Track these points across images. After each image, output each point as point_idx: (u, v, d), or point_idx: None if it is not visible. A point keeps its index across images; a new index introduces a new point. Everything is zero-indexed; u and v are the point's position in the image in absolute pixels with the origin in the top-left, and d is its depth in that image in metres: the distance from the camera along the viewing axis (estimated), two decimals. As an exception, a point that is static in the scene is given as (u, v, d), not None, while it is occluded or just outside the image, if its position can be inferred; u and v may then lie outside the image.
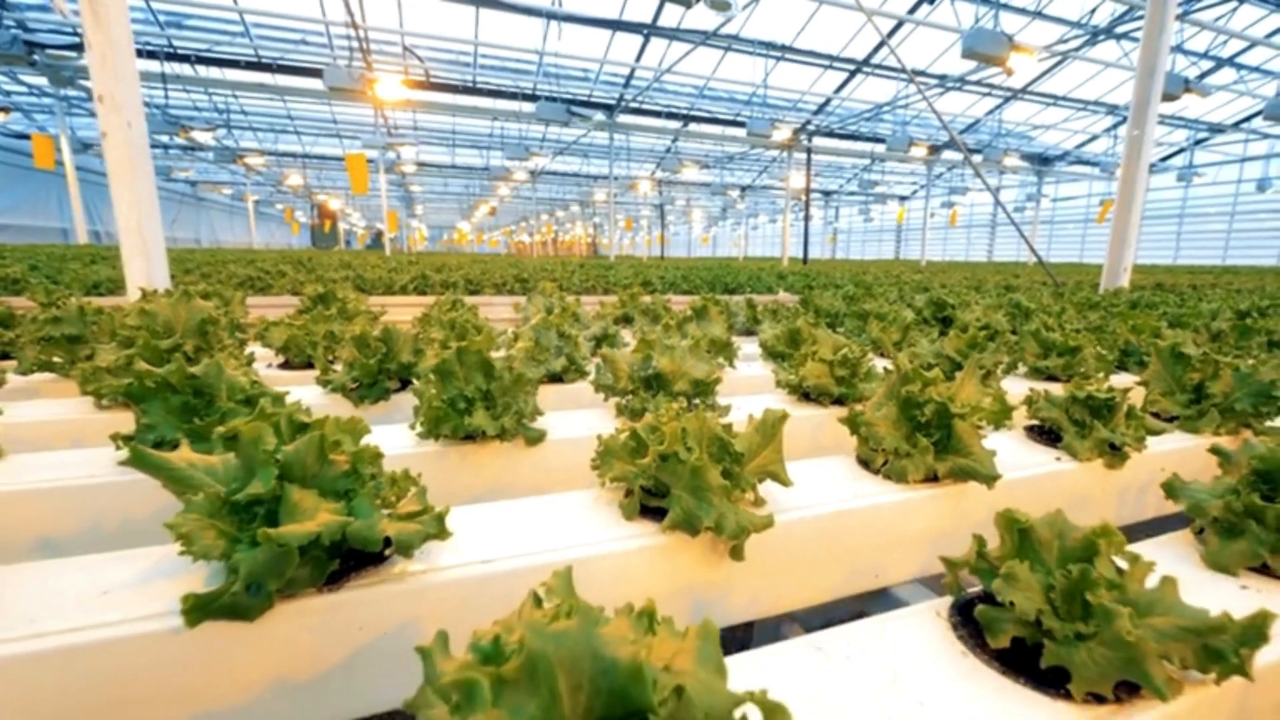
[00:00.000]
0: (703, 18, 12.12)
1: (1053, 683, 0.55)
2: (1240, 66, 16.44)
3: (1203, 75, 17.03)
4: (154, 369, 0.99)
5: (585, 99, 17.21)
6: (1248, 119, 19.88)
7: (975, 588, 0.67)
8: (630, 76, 16.12)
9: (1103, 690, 0.52)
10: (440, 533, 0.70)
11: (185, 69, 14.39)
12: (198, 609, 0.58)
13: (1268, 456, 0.79)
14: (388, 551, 0.73)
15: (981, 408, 1.02)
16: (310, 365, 1.88)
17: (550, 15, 12.73)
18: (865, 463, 1.12)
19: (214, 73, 14.83)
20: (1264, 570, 0.75)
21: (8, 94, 18.15)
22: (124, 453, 1.02)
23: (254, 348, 2.05)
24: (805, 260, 16.61)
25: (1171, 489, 0.84)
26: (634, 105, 17.39)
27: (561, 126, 17.45)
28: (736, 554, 0.82)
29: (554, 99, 15.85)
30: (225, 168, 25.53)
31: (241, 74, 14.83)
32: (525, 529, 0.83)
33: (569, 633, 0.34)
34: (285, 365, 1.90)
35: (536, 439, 1.20)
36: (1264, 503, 0.76)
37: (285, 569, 0.60)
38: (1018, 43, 8.73)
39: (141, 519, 0.99)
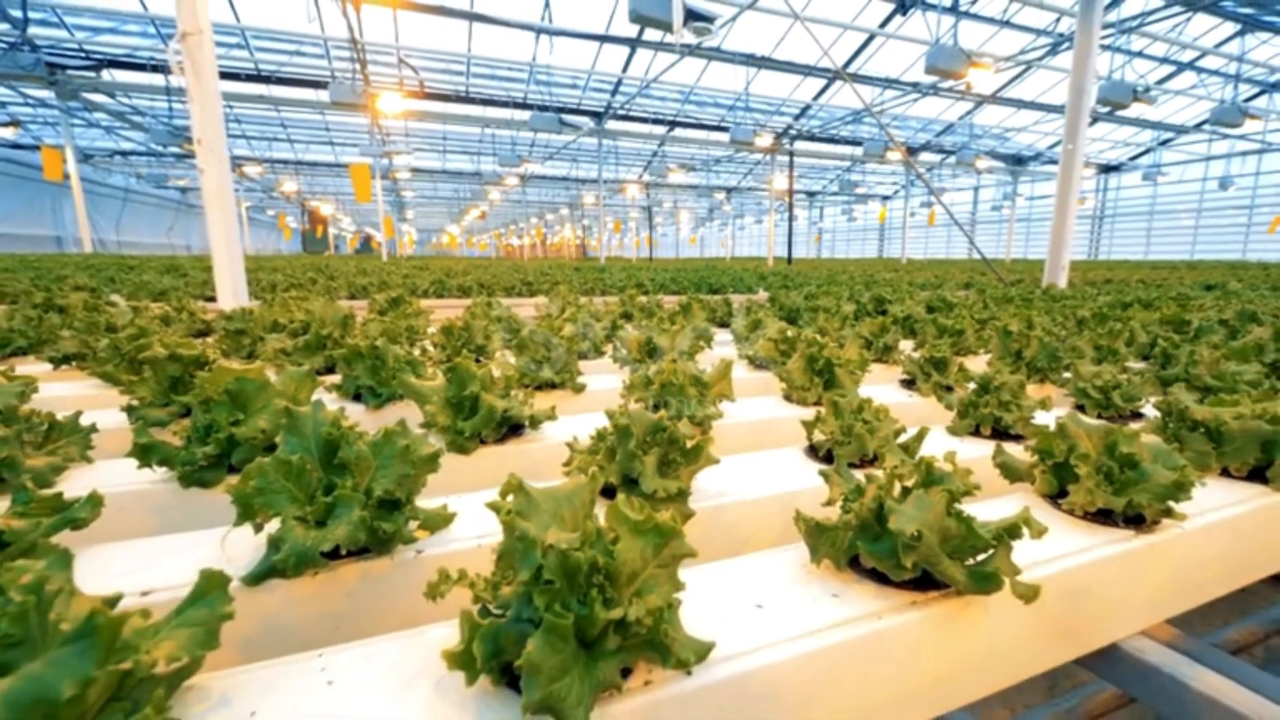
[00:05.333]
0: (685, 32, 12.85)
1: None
2: (1200, 70, 17.34)
3: (1163, 80, 17.96)
4: (357, 344, 1.66)
5: (575, 106, 17.87)
6: (1206, 121, 20.86)
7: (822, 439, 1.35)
8: (618, 84, 16.82)
9: (854, 461, 1.21)
10: (553, 415, 1.39)
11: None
12: (450, 445, 1.26)
13: (983, 376, 1.48)
14: (524, 430, 1.40)
15: (852, 360, 1.71)
16: (398, 350, 2.54)
17: (540, 30, 13.37)
18: (787, 398, 1.81)
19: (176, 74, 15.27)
20: (976, 433, 1.45)
21: (3, 105, 18.43)
22: (333, 394, 1.68)
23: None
24: (790, 260, 17.36)
25: (940, 397, 1.53)
26: (622, 112, 18.09)
27: (552, 134, 18.07)
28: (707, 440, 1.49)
29: (545, 108, 16.51)
30: (219, 175, 25.90)
31: (240, 85, 15.35)
32: (589, 424, 1.50)
33: (640, 410, 1.02)
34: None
35: (580, 388, 1.87)
36: (978, 397, 1.45)
37: (488, 427, 1.27)
38: (976, 59, 9.51)
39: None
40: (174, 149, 18.97)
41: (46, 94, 15.57)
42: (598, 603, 0.53)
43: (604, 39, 13.75)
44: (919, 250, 35.72)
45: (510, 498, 0.60)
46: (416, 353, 2.33)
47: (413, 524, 0.88)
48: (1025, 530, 0.74)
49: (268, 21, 13.35)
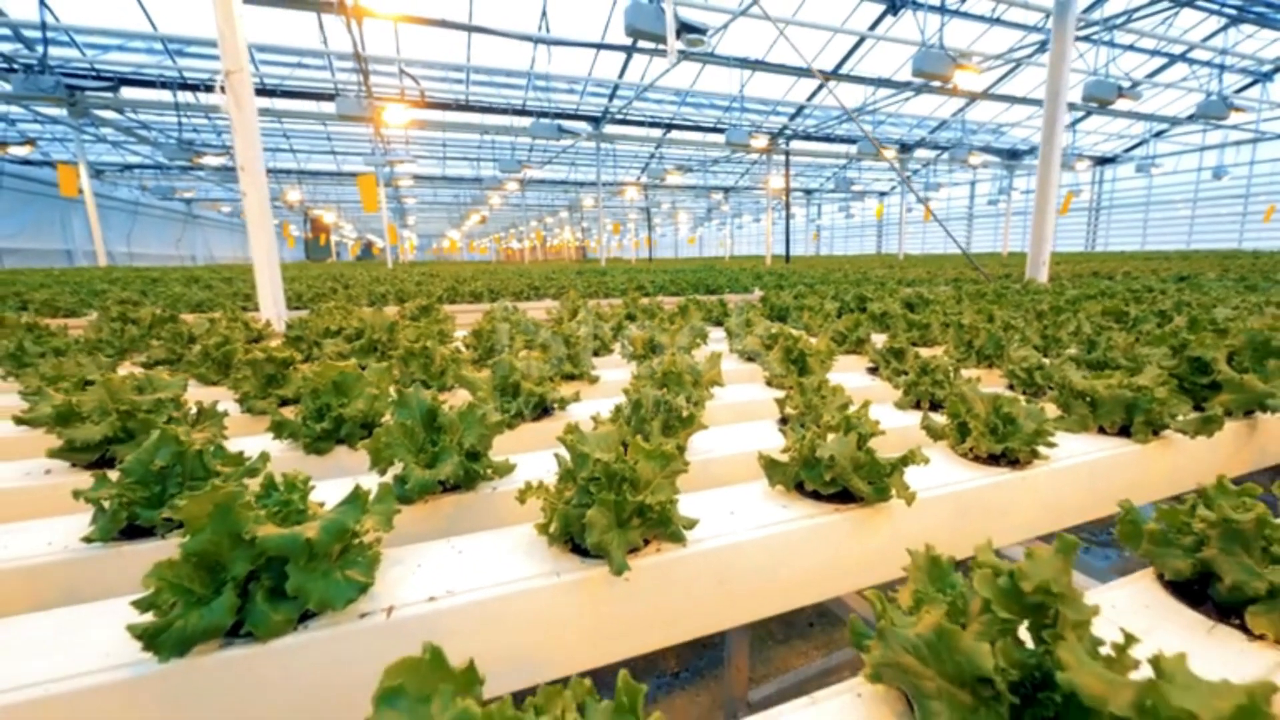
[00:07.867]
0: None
1: (803, 430, 1.58)
2: (1192, 62, 17.60)
3: (1154, 72, 18.26)
4: (411, 346, 2.01)
5: (573, 110, 18.23)
6: (1195, 115, 21.09)
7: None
8: (615, 89, 17.18)
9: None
10: (577, 398, 1.74)
11: (190, 97, 15.29)
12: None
13: (926, 361, 1.83)
14: (553, 410, 1.75)
15: (821, 351, 2.06)
16: (432, 352, 2.89)
17: (538, 40, 13.72)
18: (768, 383, 2.16)
19: (215, 98, 15.68)
20: (917, 406, 1.80)
21: (13, 123, 18.84)
22: (393, 393, 2.03)
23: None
24: (787, 259, 17.67)
25: (891, 379, 1.88)
26: (619, 116, 18.44)
27: (551, 140, 18.41)
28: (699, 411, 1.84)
29: (544, 113, 16.88)
30: (224, 185, 26.39)
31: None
32: (605, 406, 1.85)
33: (648, 389, 1.37)
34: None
35: (594, 380, 2.22)
36: (918, 379, 1.80)
37: (527, 407, 1.63)
38: (961, 62, 9.85)
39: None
40: (181, 162, 19.35)
41: (58, 111, 15.95)
42: (627, 493, 0.88)
43: (600, 46, 14.10)
44: (916, 246, 36.02)
45: (571, 435, 0.96)
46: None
47: (488, 470, 1.23)
48: (914, 459, 1.09)
49: (271, 37, 13.74)
